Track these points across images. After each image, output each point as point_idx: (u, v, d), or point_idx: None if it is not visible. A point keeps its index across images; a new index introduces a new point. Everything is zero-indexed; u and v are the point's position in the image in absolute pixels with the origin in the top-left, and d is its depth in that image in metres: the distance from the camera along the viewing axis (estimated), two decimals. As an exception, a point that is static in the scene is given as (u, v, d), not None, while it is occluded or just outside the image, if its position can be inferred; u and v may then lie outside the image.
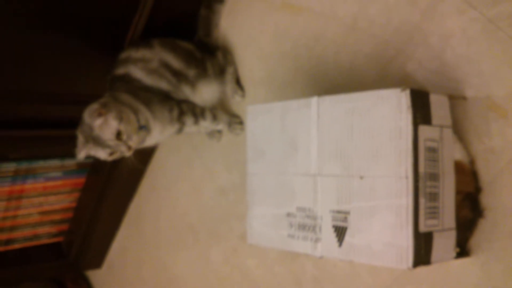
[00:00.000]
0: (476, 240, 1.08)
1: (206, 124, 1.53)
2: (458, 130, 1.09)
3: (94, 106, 1.25)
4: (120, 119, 1.27)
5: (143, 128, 1.34)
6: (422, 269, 1.13)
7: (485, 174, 1.06)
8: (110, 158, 1.33)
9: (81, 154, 1.31)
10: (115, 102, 1.31)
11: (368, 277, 1.27)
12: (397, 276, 1.21)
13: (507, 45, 1.02)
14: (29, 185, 1.85)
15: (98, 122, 1.25)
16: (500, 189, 1.04)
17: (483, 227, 1.07)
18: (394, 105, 0.94)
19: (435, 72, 1.13)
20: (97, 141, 1.28)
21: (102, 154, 1.31)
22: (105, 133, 1.27)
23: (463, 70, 1.08)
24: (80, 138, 1.31)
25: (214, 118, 1.53)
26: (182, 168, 1.85)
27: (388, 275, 1.23)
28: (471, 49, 1.07)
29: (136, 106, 1.35)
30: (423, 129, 0.95)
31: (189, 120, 1.48)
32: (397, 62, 1.20)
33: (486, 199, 1.06)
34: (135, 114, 1.33)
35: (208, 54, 1.53)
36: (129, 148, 1.31)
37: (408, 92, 0.93)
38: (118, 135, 1.27)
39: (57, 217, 2.06)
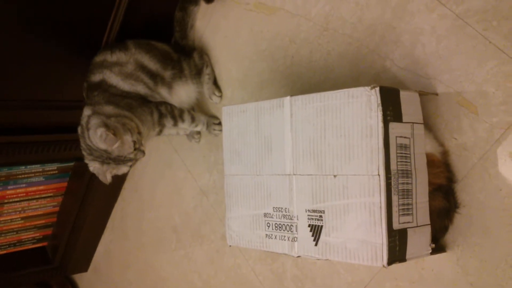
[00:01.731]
0: (451, 235, 1.08)
1: (185, 126, 1.53)
2: (430, 126, 1.09)
3: (101, 130, 1.27)
4: (129, 131, 1.32)
5: (138, 134, 1.37)
6: (399, 266, 1.13)
7: (458, 170, 1.07)
8: (129, 169, 1.40)
9: (109, 178, 1.38)
10: (111, 119, 1.33)
11: (347, 275, 1.28)
12: (375, 273, 1.22)
13: (476, 41, 1.03)
14: (10, 191, 1.84)
15: (116, 145, 1.29)
16: (473, 185, 1.05)
17: (458, 222, 1.07)
18: (365, 103, 0.95)
19: (407, 69, 1.13)
20: (119, 160, 1.34)
21: (125, 169, 1.38)
22: (125, 150, 1.32)
23: (434, 66, 1.09)
24: (95, 165, 1.36)
25: (193, 119, 1.53)
26: (163, 170, 1.85)
27: (367, 272, 1.24)
28: (441, 46, 1.08)
29: (125, 114, 1.37)
30: (394, 126, 0.95)
31: (168, 122, 1.48)
32: (370, 60, 1.20)
33: (460, 195, 1.07)
34: (131, 120, 1.36)
35: (184, 55, 1.53)
36: (144, 152, 1.37)
37: (377, 89, 0.93)
38: (134, 145, 1.33)
39: (40, 222, 2.05)
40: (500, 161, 1.01)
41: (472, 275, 1.06)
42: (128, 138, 1.31)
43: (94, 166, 1.37)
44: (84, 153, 1.38)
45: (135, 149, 1.34)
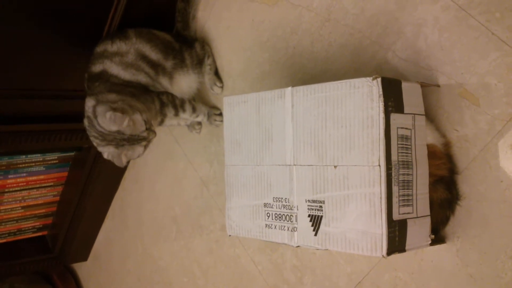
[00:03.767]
0: (451, 227, 1.08)
1: (185, 116, 1.53)
2: (432, 117, 1.09)
3: (109, 114, 1.27)
4: (138, 111, 1.32)
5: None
6: (398, 257, 1.14)
7: (459, 161, 1.07)
8: (144, 151, 1.39)
9: (124, 161, 1.37)
10: (116, 103, 1.33)
11: (346, 265, 1.28)
12: (374, 264, 1.22)
13: (479, 32, 1.03)
14: (11, 180, 1.85)
15: (125, 123, 1.28)
16: (473, 176, 1.05)
17: (458, 214, 1.08)
18: (366, 93, 0.95)
19: (409, 61, 1.13)
20: (133, 140, 1.33)
21: (139, 150, 1.37)
22: (136, 129, 1.32)
23: (436, 58, 1.09)
24: (110, 149, 1.35)
25: (194, 110, 1.53)
26: (164, 161, 1.85)
27: (366, 263, 1.24)
28: (443, 37, 1.08)
29: (129, 99, 1.36)
30: (395, 117, 0.95)
31: (169, 112, 1.48)
32: (371, 52, 1.20)
33: (460, 186, 1.07)
34: (137, 103, 1.36)
35: (186, 45, 1.53)
36: (155, 132, 1.38)
37: (379, 80, 0.93)
38: (145, 124, 1.33)
39: (40, 211, 2.06)
40: (501, 153, 1.01)
41: (471, 266, 1.06)
42: (138, 117, 1.31)
43: (108, 151, 1.36)
44: (96, 141, 1.36)
45: (146, 129, 1.34)
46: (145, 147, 1.37)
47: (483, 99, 1.02)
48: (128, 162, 1.40)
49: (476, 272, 1.05)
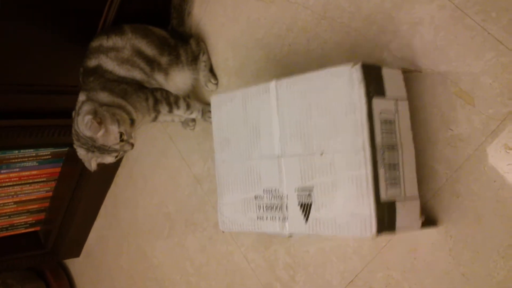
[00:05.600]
0: (445, 226, 1.08)
1: (180, 113, 1.52)
2: (426, 116, 1.10)
3: (87, 118, 1.26)
4: (117, 121, 1.30)
5: (131, 121, 1.37)
6: (391, 255, 1.15)
7: (453, 161, 1.07)
8: (115, 160, 1.38)
9: (94, 166, 1.37)
10: (102, 107, 1.32)
11: (339, 263, 1.28)
12: (367, 262, 1.22)
13: (475, 32, 1.03)
14: (3, 175, 1.84)
15: (100, 133, 1.28)
16: (467, 176, 1.05)
17: (451, 213, 1.08)
18: (347, 80, 0.96)
19: (405, 59, 1.13)
20: (103, 150, 1.32)
21: (109, 159, 1.36)
22: (109, 140, 1.31)
23: (431, 57, 1.09)
24: (81, 151, 1.35)
25: (188, 107, 1.52)
26: (158, 158, 1.85)
27: (359, 261, 1.24)
28: (439, 37, 1.08)
29: (119, 103, 1.36)
30: (377, 102, 0.96)
31: (163, 109, 1.48)
32: (367, 50, 1.20)
33: (454, 185, 1.07)
34: (124, 111, 1.35)
35: (181, 42, 1.52)
36: (132, 145, 1.36)
37: (358, 66, 0.95)
38: (120, 136, 1.31)
39: (33, 206, 2.05)
40: (495, 152, 1.01)
41: (464, 265, 1.06)
42: (114, 129, 1.30)
43: (80, 153, 1.37)
44: (73, 138, 1.37)
45: (122, 141, 1.33)
46: (117, 157, 1.37)
47: (478, 98, 1.03)
48: (114, 163, 1.40)
49: (469, 271, 1.05)
